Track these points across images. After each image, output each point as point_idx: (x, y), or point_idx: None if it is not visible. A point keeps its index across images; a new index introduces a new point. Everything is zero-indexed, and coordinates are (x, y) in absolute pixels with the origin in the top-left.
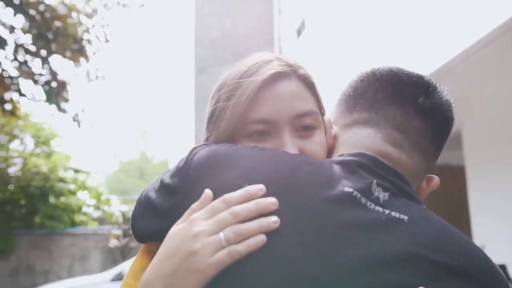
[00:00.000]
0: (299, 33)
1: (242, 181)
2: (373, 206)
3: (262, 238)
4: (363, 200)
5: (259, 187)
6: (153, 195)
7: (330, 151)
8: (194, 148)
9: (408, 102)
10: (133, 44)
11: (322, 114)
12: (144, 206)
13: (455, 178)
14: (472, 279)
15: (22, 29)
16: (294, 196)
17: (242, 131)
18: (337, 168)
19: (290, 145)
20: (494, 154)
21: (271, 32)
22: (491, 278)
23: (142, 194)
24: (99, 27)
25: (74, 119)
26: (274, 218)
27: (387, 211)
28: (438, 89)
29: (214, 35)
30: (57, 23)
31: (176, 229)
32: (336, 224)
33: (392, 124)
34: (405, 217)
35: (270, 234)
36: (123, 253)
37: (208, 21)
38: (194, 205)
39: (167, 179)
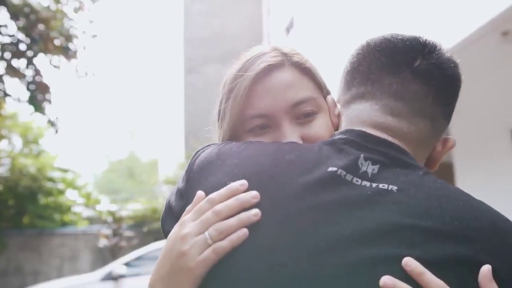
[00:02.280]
0: (288, 31)
1: (228, 178)
2: (359, 181)
3: (244, 232)
4: (349, 177)
5: (241, 183)
6: (172, 198)
7: (336, 130)
8: (197, 151)
9: (403, 68)
10: (122, 43)
11: (325, 95)
12: (167, 209)
13: (443, 174)
14: (470, 240)
15: (5, 26)
16: (275, 187)
17: (243, 127)
18: (325, 150)
19: (290, 135)
20: (482, 150)
21: (260, 31)
22: (495, 236)
23: (167, 199)
24: (86, 22)
25: (52, 124)
26: (254, 211)
27: (374, 185)
28: (437, 48)
29: (203, 34)
30: (41, 27)
31: (172, 232)
32: (316, 207)
33: (388, 94)
34: (394, 188)
35: (253, 227)
36: (113, 253)
37: (197, 20)
38: (188, 207)
39: (179, 183)
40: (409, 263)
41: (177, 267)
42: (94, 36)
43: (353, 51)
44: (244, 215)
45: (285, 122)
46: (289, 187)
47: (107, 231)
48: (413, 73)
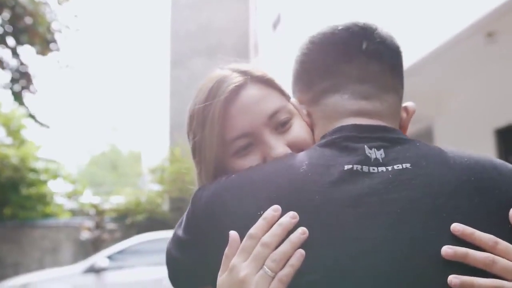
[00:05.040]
0: (275, 27)
1: (256, 209)
2: (376, 169)
3: (300, 253)
4: (366, 169)
5: (274, 209)
6: (176, 254)
7: (311, 129)
8: (193, 199)
9: (355, 53)
10: (107, 35)
11: (289, 99)
12: (174, 267)
13: None
14: (489, 190)
15: None
16: (303, 199)
17: (227, 152)
18: (327, 152)
19: (275, 144)
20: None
21: (247, 25)
22: (503, 179)
23: (167, 256)
24: (70, 16)
25: (33, 118)
26: (301, 230)
27: (390, 168)
28: (375, 28)
29: (190, 28)
30: (28, 20)
31: (223, 280)
32: (349, 205)
33: (352, 81)
34: (408, 165)
35: (304, 244)
36: (95, 246)
37: (185, 14)
38: (226, 252)
39: (181, 235)
40: (457, 227)
41: None
42: (77, 30)
43: (299, 52)
44: (294, 237)
45: (267, 134)
46: (316, 195)
47: (89, 223)
48: (365, 55)
